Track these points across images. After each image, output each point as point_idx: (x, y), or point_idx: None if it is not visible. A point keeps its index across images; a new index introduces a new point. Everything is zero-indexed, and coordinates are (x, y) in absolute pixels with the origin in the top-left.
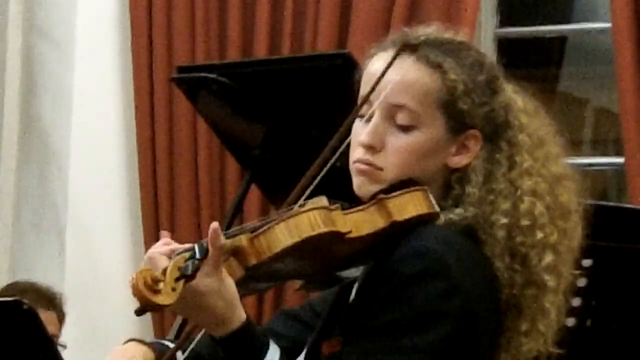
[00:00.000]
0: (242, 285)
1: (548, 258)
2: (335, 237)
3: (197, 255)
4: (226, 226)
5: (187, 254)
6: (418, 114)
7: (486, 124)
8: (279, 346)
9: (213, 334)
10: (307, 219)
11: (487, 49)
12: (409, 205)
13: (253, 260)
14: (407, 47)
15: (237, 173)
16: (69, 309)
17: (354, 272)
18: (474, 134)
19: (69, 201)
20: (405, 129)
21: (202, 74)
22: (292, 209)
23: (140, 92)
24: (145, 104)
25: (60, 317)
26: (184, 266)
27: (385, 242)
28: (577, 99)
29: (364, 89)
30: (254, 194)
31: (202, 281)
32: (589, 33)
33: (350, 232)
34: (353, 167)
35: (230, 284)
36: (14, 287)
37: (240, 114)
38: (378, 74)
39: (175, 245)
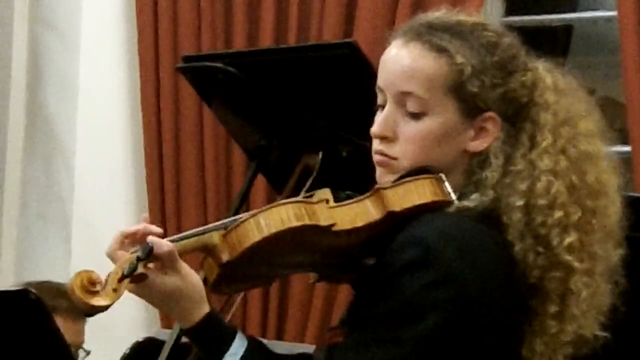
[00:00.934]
0: (226, 282)
1: (570, 238)
2: (315, 230)
3: (141, 255)
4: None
5: (135, 254)
6: (426, 100)
7: (505, 105)
8: (249, 339)
9: (180, 325)
10: (278, 214)
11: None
12: (411, 195)
13: (226, 257)
14: (413, 33)
15: (243, 163)
16: None
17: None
18: (491, 117)
19: (75, 192)
20: (416, 116)
21: (208, 64)
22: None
23: (146, 83)
24: (151, 94)
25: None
26: (125, 267)
27: (391, 232)
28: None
29: (378, 77)
30: (261, 184)
31: (157, 279)
32: (595, 22)
33: (333, 225)
34: (374, 158)
35: (193, 281)
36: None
37: (246, 104)
38: (389, 62)
39: (128, 231)
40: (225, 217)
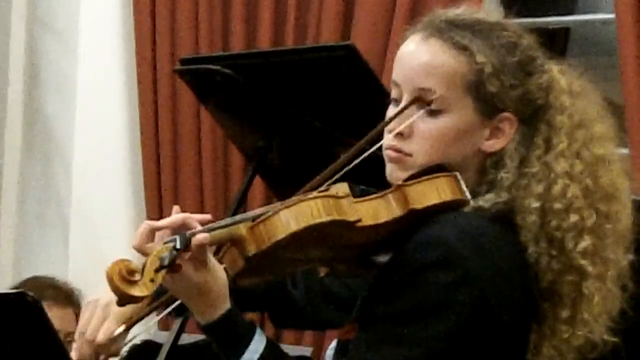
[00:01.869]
0: (248, 273)
1: (585, 242)
2: (342, 226)
3: (177, 246)
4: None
5: (170, 244)
6: (445, 97)
7: (522, 106)
8: (267, 337)
9: (199, 321)
10: (309, 207)
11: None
12: (432, 193)
13: (253, 250)
14: (433, 29)
15: (240, 164)
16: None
17: (387, 257)
18: (507, 117)
19: (73, 193)
20: (434, 113)
21: (206, 66)
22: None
23: (143, 84)
24: (148, 95)
25: (77, 314)
26: (163, 257)
27: (408, 229)
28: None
29: (394, 72)
30: (258, 186)
31: (188, 272)
32: (592, 24)
33: (359, 220)
34: (384, 153)
35: (219, 275)
36: (32, 283)
37: (244, 106)
38: (407, 57)
39: (161, 224)
40: (224, 218)
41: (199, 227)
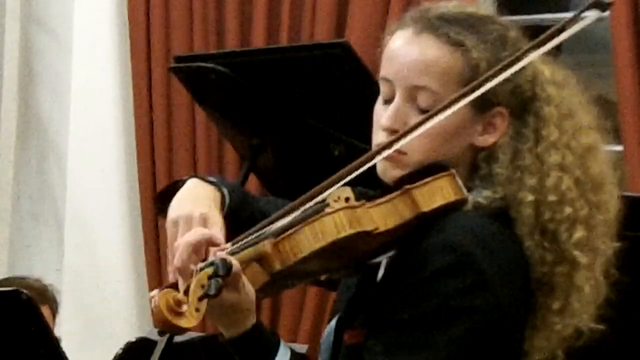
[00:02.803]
0: (267, 288)
1: (578, 233)
2: (362, 236)
3: (221, 273)
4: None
5: (209, 270)
6: (440, 94)
7: (512, 100)
8: (289, 348)
9: (224, 334)
10: (333, 222)
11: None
12: (437, 194)
13: (278, 266)
14: (425, 24)
15: (235, 163)
16: (66, 301)
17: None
18: (500, 112)
19: (68, 192)
20: (427, 110)
21: (200, 64)
22: (316, 205)
23: (138, 83)
24: (143, 94)
25: (53, 310)
26: (207, 285)
27: (414, 231)
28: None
29: (384, 68)
30: (253, 184)
31: (227, 298)
32: None
33: (376, 228)
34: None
35: (249, 292)
36: (5, 284)
37: (239, 104)
38: (400, 54)
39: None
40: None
41: (227, 245)
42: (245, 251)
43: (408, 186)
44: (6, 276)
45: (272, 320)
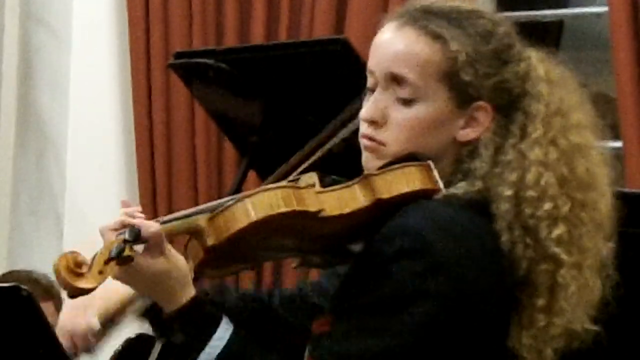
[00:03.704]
0: (210, 266)
1: (559, 230)
2: (303, 216)
3: (127, 237)
4: None
5: (121, 237)
6: (419, 86)
7: (497, 95)
8: (233, 324)
9: (165, 310)
10: (268, 198)
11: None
12: (400, 182)
13: (212, 241)
14: (408, 17)
15: (234, 159)
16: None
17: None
18: (482, 106)
19: (67, 188)
20: (407, 102)
21: (200, 60)
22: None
23: (137, 79)
24: (142, 90)
25: (58, 306)
26: (111, 249)
27: (378, 219)
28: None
29: (369, 60)
30: (252, 180)
31: (144, 262)
32: (585, 17)
33: (321, 211)
34: (361, 142)
35: (179, 264)
36: (10, 277)
37: (238, 100)
38: (382, 45)
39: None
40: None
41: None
42: (175, 222)
43: (368, 172)
44: (5, 272)
45: None
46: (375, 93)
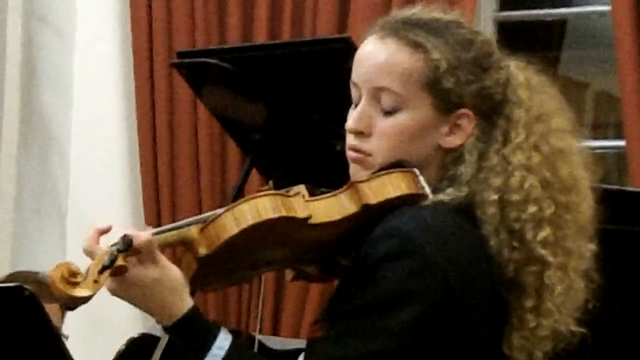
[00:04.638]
0: (204, 277)
1: (544, 232)
2: (292, 223)
3: (120, 247)
4: None
5: (114, 247)
6: (401, 95)
7: (479, 101)
8: (232, 336)
9: (162, 323)
10: (255, 206)
11: (487, 32)
12: (385, 187)
13: (204, 251)
14: (389, 29)
15: (238, 157)
16: None
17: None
18: (465, 113)
19: (70, 187)
20: (391, 111)
21: (203, 59)
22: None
23: (140, 78)
24: (145, 89)
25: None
26: (105, 258)
27: (367, 226)
28: (578, 82)
29: (353, 73)
30: (255, 179)
31: (137, 272)
32: (589, 16)
33: (309, 217)
34: (347, 154)
35: (174, 273)
36: (15, 277)
37: (241, 99)
38: (364, 58)
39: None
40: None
41: (146, 231)
42: (168, 233)
43: (355, 180)
44: (9, 271)
45: (274, 316)
46: (360, 104)
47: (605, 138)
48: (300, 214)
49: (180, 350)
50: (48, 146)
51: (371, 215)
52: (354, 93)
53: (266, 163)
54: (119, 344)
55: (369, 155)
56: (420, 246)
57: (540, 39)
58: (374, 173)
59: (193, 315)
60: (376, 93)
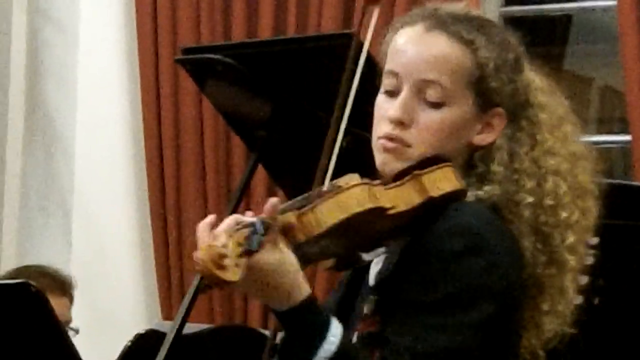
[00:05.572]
0: None
1: (571, 238)
2: (379, 213)
3: (260, 231)
4: (232, 209)
5: (245, 230)
6: (449, 90)
7: (511, 102)
8: (340, 322)
9: (277, 309)
10: (355, 195)
11: None
12: (443, 181)
13: (302, 237)
14: (436, 21)
15: (243, 154)
16: (74, 292)
17: (372, 255)
18: (499, 112)
19: (75, 184)
20: (435, 105)
21: (208, 55)
22: (328, 186)
23: (145, 74)
24: (150, 85)
25: (71, 301)
26: (246, 242)
27: (421, 218)
28: (582, 77)
29: (391, 62)
30: (261, 175)
31: (267, 257)
32: (593, 11)
33: (392, 207)
34: (378, 143)
35: (292, 257)
36: (24, 272)
37: (246, 95)
38: (408, 47)
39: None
40: (226, 208)
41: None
42: (281, 216)
43: (417, 172)
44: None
45: None
46: (403, 94)
47: (610, 133)
48: (386, 204)
49: (289, 340)
50: (53, 143)
51: (429, 207)
52: (390, 81)
53: (272, 159)
54: (126, 339)
55: (408, 146)
56: (489, 244)
57: (545, 34)
58: (416, 166)
59: (312, 301)
60: (422, 85)
